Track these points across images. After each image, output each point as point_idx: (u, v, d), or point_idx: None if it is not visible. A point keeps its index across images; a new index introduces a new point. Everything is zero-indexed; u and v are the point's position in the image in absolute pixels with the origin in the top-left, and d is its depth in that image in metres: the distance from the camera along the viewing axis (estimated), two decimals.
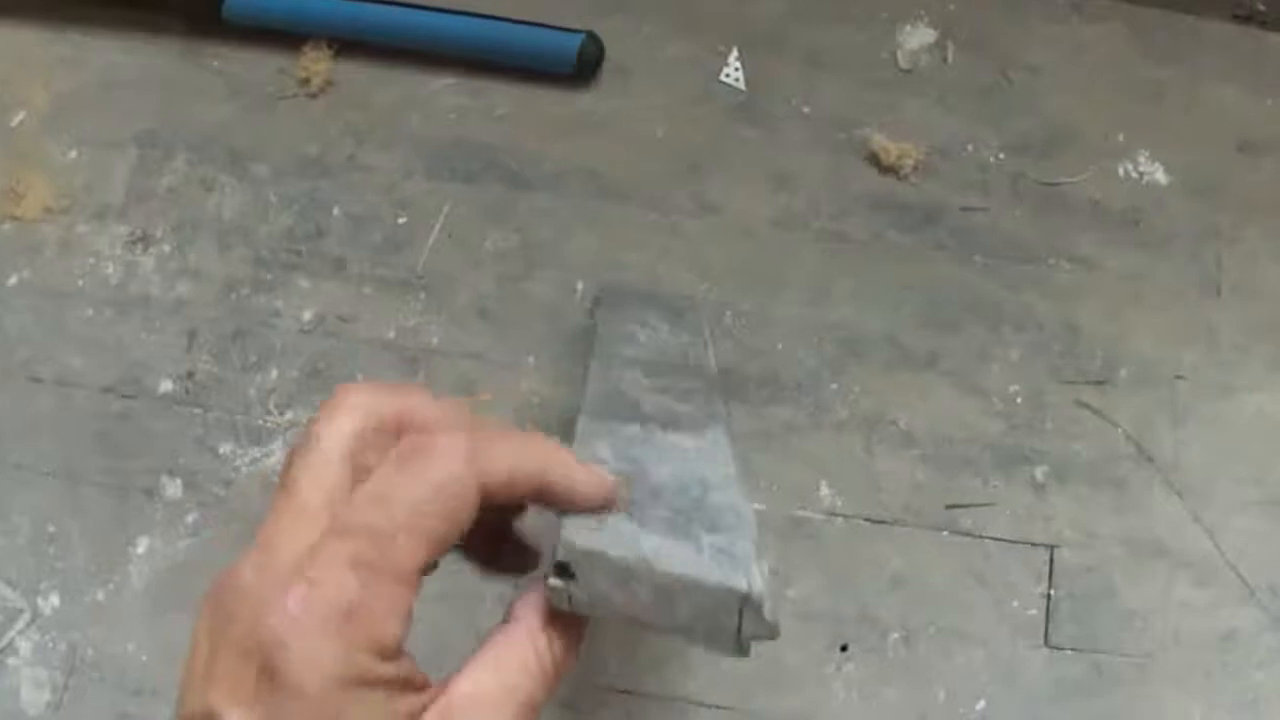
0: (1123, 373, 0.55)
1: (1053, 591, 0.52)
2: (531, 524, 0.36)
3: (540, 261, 0.58)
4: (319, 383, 0.56)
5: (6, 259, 0.59)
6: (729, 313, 0.56)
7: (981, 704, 0.51)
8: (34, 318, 0.58)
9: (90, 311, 0.58)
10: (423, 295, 0.57)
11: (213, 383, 0.56)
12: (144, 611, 0.53)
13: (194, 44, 0.62)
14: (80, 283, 0.58)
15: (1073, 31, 0.61)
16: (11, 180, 0.60)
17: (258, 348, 0.57)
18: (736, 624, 0.29)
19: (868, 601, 0.52)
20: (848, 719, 0.50)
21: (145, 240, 0.59)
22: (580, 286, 0.57)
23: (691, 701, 0.51)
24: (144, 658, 0.52)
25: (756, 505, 0.53)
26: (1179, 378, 0.55)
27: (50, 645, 0.52)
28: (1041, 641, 0.51)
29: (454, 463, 0.28)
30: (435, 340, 0.57)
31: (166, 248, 0.59)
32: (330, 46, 0.61)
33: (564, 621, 0.30)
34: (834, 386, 0.55)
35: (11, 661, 0.52)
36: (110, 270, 0.58)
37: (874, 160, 0.59)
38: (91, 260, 0.59)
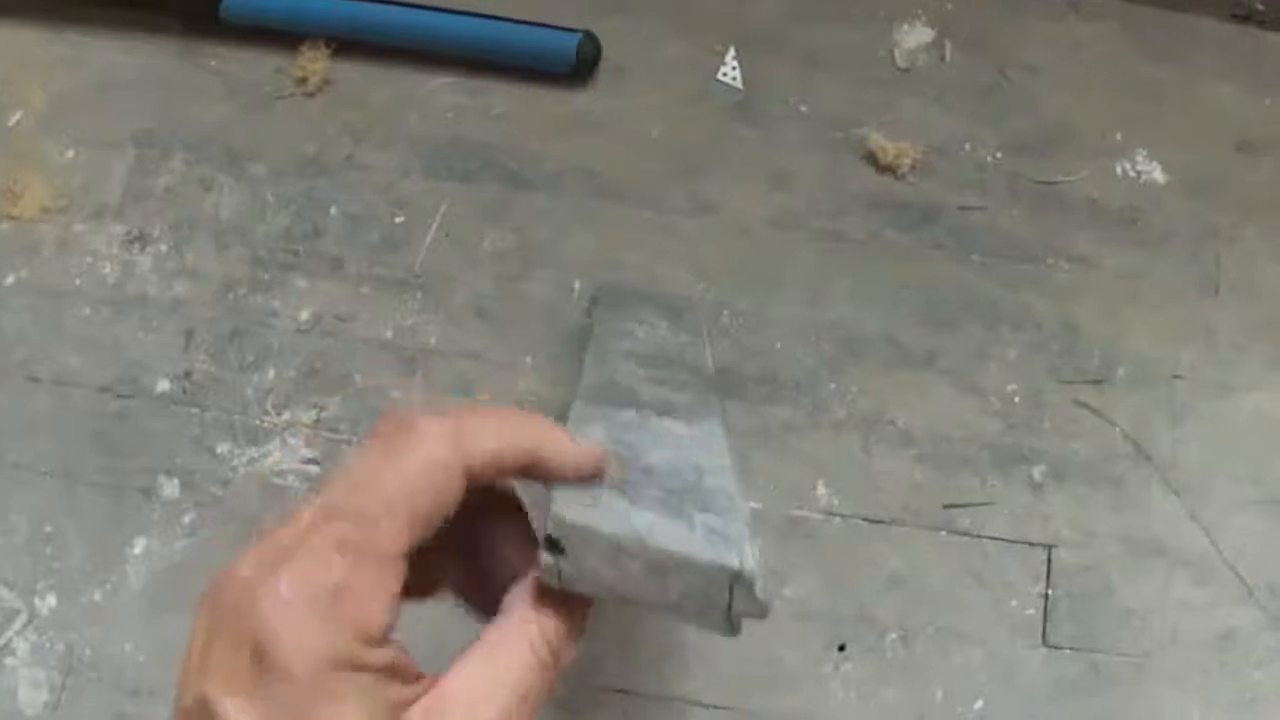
0: (1121, 372, 0.55)
1: (1051, 591, 0.52)
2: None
3: (538, 261, 0.58)
4: (316, 383, 0.56)
5: (4, 259, 0.59)
6: (726, 312, 0.56)
7: (980, 703, 0.51)
8: (31, 317, 0.58)
9: (87, 311, 0.58)
10: (420, 295, 0.57)
11: (210, 382, 0.56)
12: (141, 612, 0.53)
13: (191, 44, 0.62)
14: (77, 282, 0.58)
15: (1070, 30, 0.61)
16: (9, 180, 0.60)
17: (255, 347, 0.57)
18: (727, 601, 0.29)
19: (866, 601, 0.52)
20: (846, 719, 0.50)
21: (142, 240, 0.59)
22: (578, 286, 0.57)
23: (689, 701, 0.51)
24: (141, 658, 0.52)
25: (754, 504, 0.53)
26: (1177, 377, 0.55)
27: (48, 645, 0.52)
28: (1039, 641, 0.51)
29: (437, 445, 0.29)
30: (433, 340, 0.57)
31: (164, 247, 0.59)
32: (328, 46, 0.61)
33: (558, 609, 0.30)
34: (832, 386, 0.55)
35: (9, 662, 0.52)
36: (108, 270, 0.58)
37: (871, 159, 0.59)
38: (89, 260, 0.59)
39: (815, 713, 0.51)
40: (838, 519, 0.53)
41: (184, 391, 0.56)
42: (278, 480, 0.54)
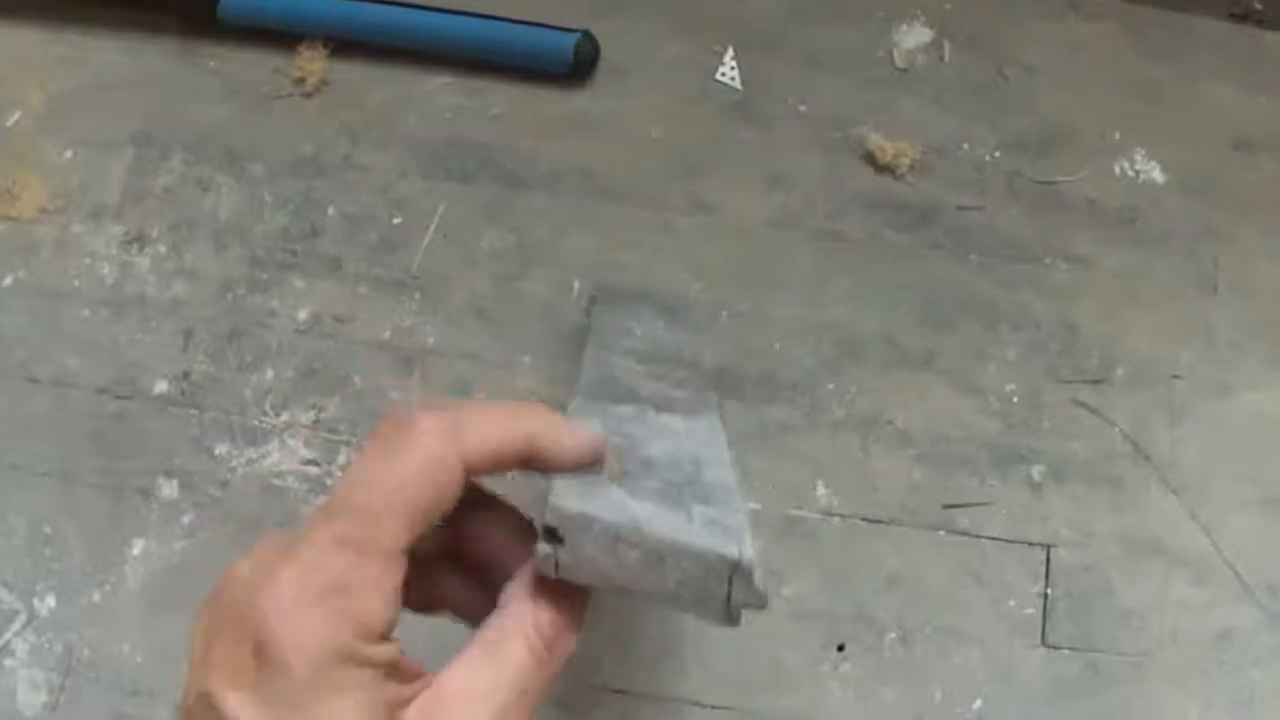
0: (1119, 371, 0.55)
1: (1050, 591, 0.52)
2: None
3: (536, 261, 0.58)
4: (315, 383, 0.56)
5: (2, 259, 0.59)
6: (725, 312, 0.56)
7: (978, 703, 0.51)
8: (30, 318, 0.58)
9: (86, 312, 0.58)
10: (418, 295, 0.57)
11: (208, 383, 0.56)
12: (140, 612, 0.53)
13: (189, 44, 0.62)
14: (76, 283, 0.58)
15: (1069, 30, 0.61)
16: (7, 180, 0.60)
17: (254, 348, 0.57)
18: (726, 591, 0.29)
19: (864, 601, 0.52)
20: (844, 718, 0.50)
21: (141, 240, 0.59)
22: (576, 286, 0.57)
23: (687, 701, 0.51)
24: (140, 658, 0.52)
25: (752, 505, 0.53)
26: (1176, 376, 0.55)
27: (46, 646, 0.52)
28: (1038, 641, 0.51)
29: (435, 441, 0.29)
30: (431, 340, 0.57)
31: (162, 248, 0.59)
32: (325, 46, 0.61)
33: (555, 600, 0.30)
34: (830, 386, 0.55)
35: (8, 663, 0.52)
36: (106, 270, 0.58)
37: (870, 159, 0.59)
38: (87, 260, 0.59)
39: (814, 712, 0.51)
40: (836, 519, 0.53)
41: (182, 392, 0.56)
42: (276, 481, 0.54)
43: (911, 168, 0.58)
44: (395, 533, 0.28)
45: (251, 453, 0.55)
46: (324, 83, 0.61)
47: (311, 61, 0.61)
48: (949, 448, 0.54)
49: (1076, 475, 0.54)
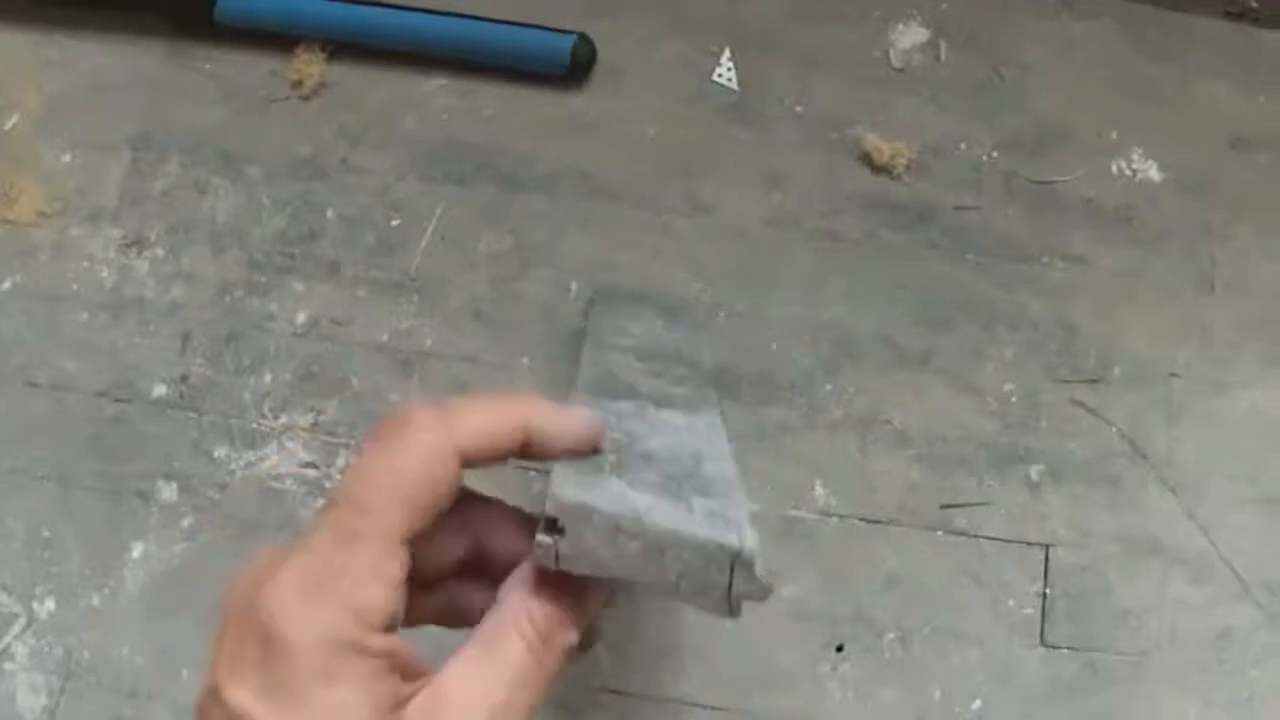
0: (1117, 371, 0.55)
1: (1048, 590, 0.52)
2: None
3: (534, 262, 0.58)
4: (313, 386, 0.56)
5: (0, 263, 0.59)
6: (722, 313, 0.56)
7: (977, 703, 0.51)
8: (28, 322, 0.58)
9: (84, 315, 0.58)
10: (416, 298, 0.57)
11: (207, 386, 0.56)
12: (139, 616, 0.53)
13: (186, 46, 0.62)
14: (74, 286, 0.58)
15: (1065, 29, 0.61)
16: (4, 184, 0.60)
17: (252, 351, 0.57)
18: (727, 582, 0.29)
19: (863, 601, 0.52)
20: (844, 719, 0.50)
21: (139, 243, 0.59)
22: (574, 287, 0.57)
23: (686, 702, 0.51)
24: (139, 661, 0.52)
25: (751, 506, 0.53)
26: (1173, 375, 0.55)
27: (46, 650, 0.52)
28: (1037, 640, 0.51)
29: (428, 431, 0.29)
30: (429, 343, 0.57)
31: (160, 251, 0.59)
32: (323, 49, 0.61)
33: (553, 593, 0.30)
34: (828, 386, 0.55)
35: (8, 666, 0.52)
36: (104, 274, 0.58)
37: (867, 159, 0.59)
38: (85, 264, 0.59)
39: (813, 713, 0.51)
40: (835, 519, 0.53)
41: (181, 395, 0.56)
42: (275, 484, 0.54)
43: (908, 168, 0.58)
44: (391, 521, 0.28)
45: (250, 455, 0.55)
46: (321, 85, 0.61)
47: (309, 64, 0.61)
48: (947, 448, 0.54)
49: (1074, 475, 0.54)
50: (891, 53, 0.61)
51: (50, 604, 0.53)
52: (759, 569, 0.29)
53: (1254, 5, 0.61)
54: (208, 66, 0.62)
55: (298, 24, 0.61)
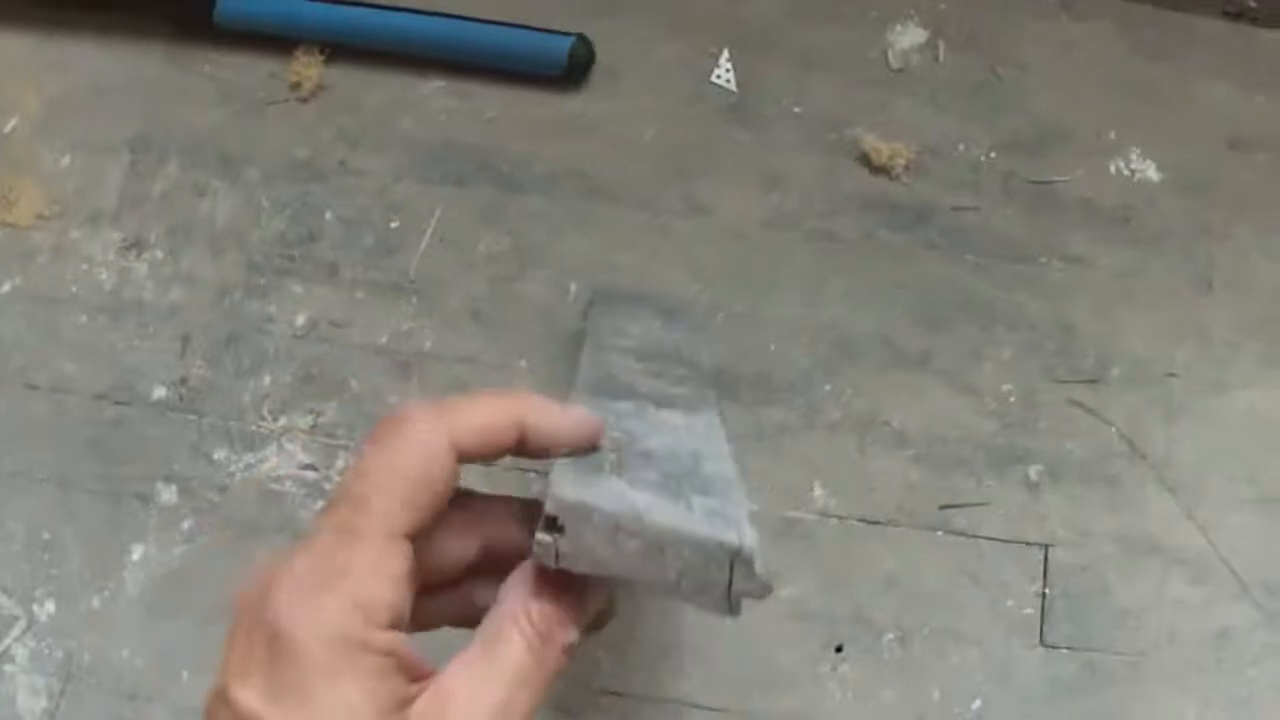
0: (1115, 371, 0.55)
1: (1047, 590, 0.52)
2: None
3: (532, 264, 0.58)
4: (312, 388, 0.56)
5: None
6: (721, 314, 0.57)
7: (977, 703, 0.51)
8: (27, 324, 0.58)
9: (84, 318, 0.58)
10: (415, 299, 0.57)
11: (206, 388, 0.56)
12: (139, 618, 0.53)
13: (185, 49, 0.62)
14: (73, 289, 0.58)
15: (1063, 29, 0.61)
16: (4, 187, 0.60)
17: (251, 353, 0.57)
18: (728, 580, 0.29)
19: (862, 602, 0.52)
20: (843, 719, 0.51)
21: (138, 246, 0.59)
22: (573, 289, 0.57)
23: (685, 703, 0.51)
24: (140, 663, 0.52)
25: (750, 506, 0.53)
26: (1171, 375, 0.55)
27: (46, 652, 0.52)
28: (1036, 641, 0.51)
29: (423, 426, 0.30)
30: (428, 344, 0.57)
31: (159, 253, 0.59)
32: (321, 51, 0.61)
33: (552, 592, 0.30)
34: (827, 387, 0.55)
35: (8, 669, 0.52)
36: (103, 276, 0.58)
37: (865, 160, 0.59)
38: (85, 266, 0.59)
39: (813, 714, 0.51)
40: (833, 520, 0.53)
41: (180, 398, 0.56)
42: (275, 486, 0.54)
43: (906, 168, 0.58)
44: (391, 517, 0.28)
45: (250, 458, 0.55)
46: (320, 87, 0.61)
47: (307, 66, 0.61)
48: (946, 448, 0.54)
49: (1073, 475, 0.54)
50: (890, 53, 0.61)
51: (50, 606, 0.53)
52: (759, 567, 0.29)
53: (1252, 5, 0.61)
54: (207, 69, 0.62)
55: (296, 26, 0.61)
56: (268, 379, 0.56)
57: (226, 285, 0.58)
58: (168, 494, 0.54)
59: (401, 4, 0.60)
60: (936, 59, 0.61)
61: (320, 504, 0.54)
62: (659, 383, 0.42)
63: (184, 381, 0.56)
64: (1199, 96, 0.60)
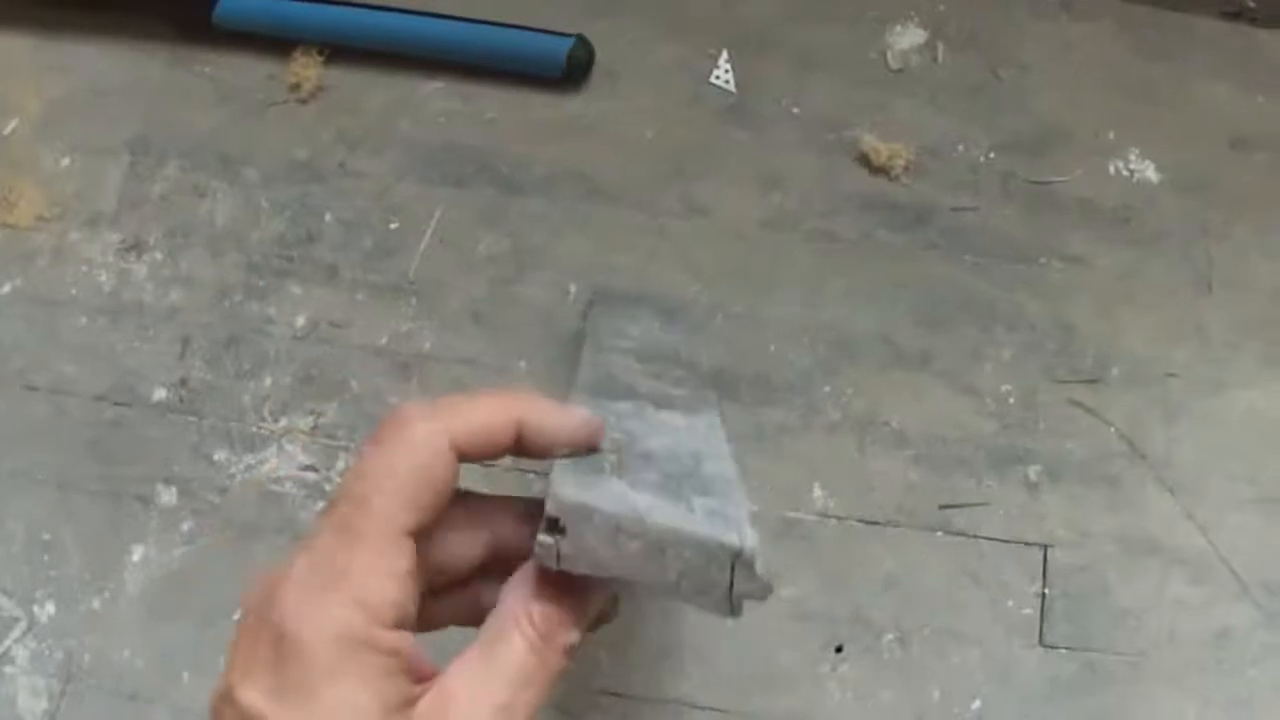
0: (1115, 371, 0.55)
1: (1047, 591, 0.52)
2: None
3: (532, 265, 0.58)
4: (312, 390, 0.56)
5: None
6: (720, 314, 0.57)
7: (977, 703, 0.51)
8: (27, 326, 0.58)
9: (83, 319, 0.58)
10: (415, 300, 0.57)
11: (206, 390, 0.56)
12: (139, 619, 0.53)
13: (184, 50, 0.62)
14: (73, 291, 0.58)
15: (1062, 30, 0.61)
16: (4, 188, 0.60)
17: (251, 355, 0.57)
18: (728, 581, 0.29)
19: (862, 602, 0.52)
20: (843, 719, 0.51)
21: (138, 247, 0.59)
22: (572, 290, 0.57)
23: (685, 704, 0.51)
24: (140, 664, 0.52)
25: (750, 506, 0.53)
26: (1171, 375, 0.55)
27: (46, 653, 0.52)
28: (1036, 641, 0.51)
29: (421, 428, 0.30)
30: (428, 345, 0.57)
31: (159, 255, 0.59)
32: (320, 52, 0.61)
33: (554, 593, 0.30)
34: (826, 388, 0.55)
35: (8, 670, 0.52)
36: (103, 278, 0.58)
37: (864, 161, 0.59)
38: (84, 268, 0.59)
39: (813, 714, 0.51)
40: (833, 520, 0.53)
41: (180, 399, 0.56)
42: (275, 487, 0.54)
43: (906, 169, 0.58)
44: (389, 514, 0.29)
45: (250, 459, 0.55)
46: (319, 89, 0.61)
47: (306, 68, 0.61)
48: (945, 448, 0.54)
49: (1073, 475, 0.54)
50: (889, 54, 0.61)
51: (50, 607, 0.53)
52: (759, 567, 0.29)
53: (1251, 5, 0.61)
54: (206, 70, 0.62)
55: (295, 27, 0.61)
56: (268, 380, 0.56)
57: (226, 286, 0.58)
58: (168, 495, 0.55)
59: (401, 5, 0.60)
60: (936, 59, 0.61)
61: (321, 505, 0.54)
62: (659, 384, 0.42)
63: (184, 383, 0.56)
64: (1198, 96, 0.60)
